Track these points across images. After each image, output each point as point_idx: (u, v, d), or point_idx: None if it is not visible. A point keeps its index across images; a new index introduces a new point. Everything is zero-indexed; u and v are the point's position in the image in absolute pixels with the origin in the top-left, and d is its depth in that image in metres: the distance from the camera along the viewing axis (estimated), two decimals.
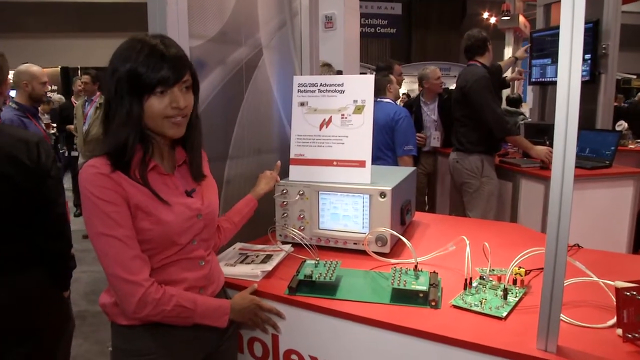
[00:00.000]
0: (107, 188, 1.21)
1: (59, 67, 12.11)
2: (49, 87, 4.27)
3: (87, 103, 5.91)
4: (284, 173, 2.00)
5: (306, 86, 1.98)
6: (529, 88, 8.16)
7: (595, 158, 3.96)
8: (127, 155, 1.23)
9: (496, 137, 3.88)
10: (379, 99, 4.00)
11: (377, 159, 3.77)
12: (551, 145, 3.85)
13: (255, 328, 1.56)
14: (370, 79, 1.95)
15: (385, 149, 3.86)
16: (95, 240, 1.23)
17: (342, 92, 1.93)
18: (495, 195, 3.92)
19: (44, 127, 3.78)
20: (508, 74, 5.16)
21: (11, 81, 2.97)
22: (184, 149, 1.41)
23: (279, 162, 1.99)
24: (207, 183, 1.48)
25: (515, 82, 5.81)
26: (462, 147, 3.96)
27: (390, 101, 4.01)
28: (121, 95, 1.22)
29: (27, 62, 3.85)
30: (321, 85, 1.96)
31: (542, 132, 4.20)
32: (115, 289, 1.25)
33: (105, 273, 1.24)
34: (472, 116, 3.83)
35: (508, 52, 7.14)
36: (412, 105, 5.11)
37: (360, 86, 1.92)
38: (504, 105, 6.94)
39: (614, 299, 1.27)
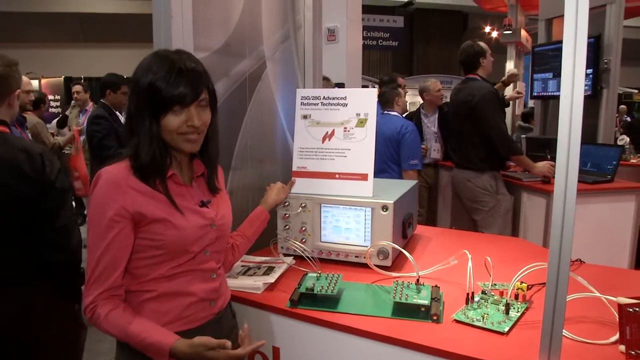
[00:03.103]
0: (114, 200, 1.23)
1: (62, 77, 12.14)
2: (33, 96, 4.30)
3: (81, 113, 5.98)
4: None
5: (309, 99, 1.99)
6: (530, 102, 8.18)
7: (597, 172, 3.95)
8: (153, 166, 1.27)
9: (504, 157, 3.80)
10: (386, 112, 4.02)
11: (382, 172, 3.78)
12: (553, 159, 3.87)
13: None
14: (373, 92, 1.96)
15: (390, 162, 3.87)
16: (88, 239, 1.27)
17: (345, 105, 1.94)
18: (511, 212, 3.83)
19: (29, 137, 3.77)
20: (508, 90, 5.18)
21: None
22: (203, 161, 1.43)
23: (294, 179, 1.98)
24: (222, 197, 1.49)
25: (516, 100, 5.82)
26: (473, 166, 3.80)
27: (397, 114, 4.03)
28: (142, 110, 1.26)
29: (30, 72, 3.87)
30: (324, 98, 1.97)
31: (544, 146, 4.21)
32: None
33: None
34: (479, 132, 3.73)
35: (509, 66, 7.15)
36: (413, 117, 5.13)
37: (363, 99, 1.92)
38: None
39: (617, 315, 1.27)
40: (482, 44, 3.86)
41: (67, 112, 6.70)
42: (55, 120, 6.70)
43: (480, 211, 3.82)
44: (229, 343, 1.24)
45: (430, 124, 5.05)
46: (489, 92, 3.71)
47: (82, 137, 5.86)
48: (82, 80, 7.99)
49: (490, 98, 3.67)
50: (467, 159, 3.86)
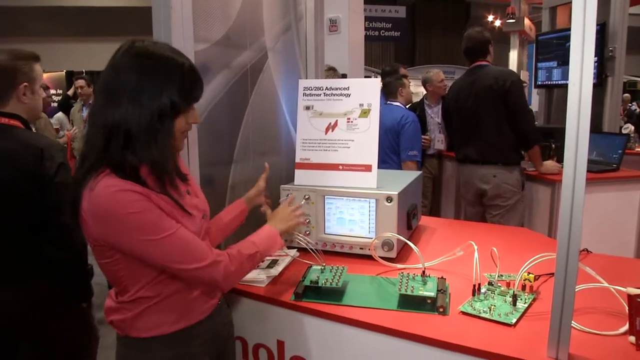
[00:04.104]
0: (137, 200, 1.16)
1: (64, 71, 12.12)
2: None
3: (84, 107, 5.96)
4: (290, 177, 1.99)
5: (312, 90, 1.97)
6: (534, 91, 8.14)
7: (602, 161, 3.93)
8: (165, 171, 1.23)
9: (526, 146, 3.56)
10: (388, 102, 3.99)
11: (382, 162, 3.72)
12: (557, 148, 3.85)
13: None
14: (376, 82, 1.94)
15: (390, 153, 3.84)
16: (148, 250, 1.19)
17: (348, 95, 1.91)
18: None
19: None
20: None
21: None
22: None
23: (267, 165, 1.86)
24: (192, 183, 1.44)
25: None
26: (505, 160, 3.49)
27: (400, 105, 3.99)
28: (164, 117, 1.20)
29: None
30: (327, 88, 1.95)
31: (549, 135, 4.17)
32: (197, 281, 1.31)
33: (174, 270, 1.24)
34: (509, 120, 3.42)
35: (513, 55, 7.11)
36: (416, 108, 5.11)
37: (367, 90, 1.90)
38: None
39: (626, 306, 1.25)
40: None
41: (69, 92, 6.67)
42: (56, 116, 6.69)
43: (499, 208, 3.57)
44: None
45: (434, 114, 5.02)
46: (518, 77, 3.52)
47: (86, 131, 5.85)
48: (84, 74, 7.97)
49: (520, 83, 3.48)
50: (499, 153, 3.51)
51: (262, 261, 1.52)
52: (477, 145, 3.61)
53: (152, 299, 1.27)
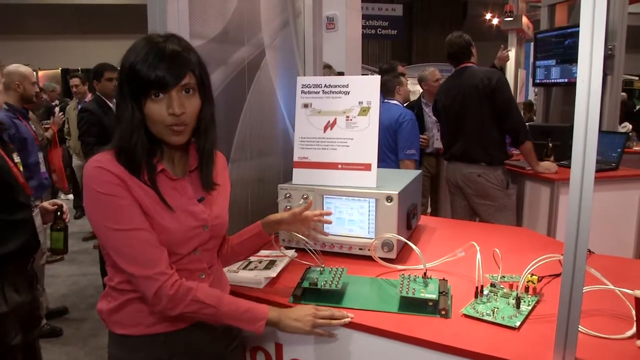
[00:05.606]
0: (112, 183, 1.15)
1: (60, 68, 12.08)
2: (38, 88, 4.20)
3: (79, 105, 5.91)
4: (288, 176, 1.95)
5: (310, 87, 1.94)
6: (532, 89, 8.13)
7: (601, 160, 3.90)
8: (135, 159, 1.18)
9: (518, 141, 3.56)
10: (386, 100, 3.96)
11: (379, 161, 3.69)
12: (555, 147, 3.83)
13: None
14: (376, 80, 1.90)
15: (388, 151, 3.81)
16: (104, 237, 1.17)
17: (347, 93, 1.88)
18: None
19: (34, 129, 3.72)
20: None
21: None
22: (197, 155, 1.32)
23: (311, 199, 1.78)
24: (220, 193, 1.38)
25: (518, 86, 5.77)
26: (489, 159, 3.54)
27: (398, 103, 3.97)
28: (124, 95, 1.17)
29: (27, 64, 3.80)
30: (325, 86, 1.91)
31: (547, 134, 4.15)
32: (138, 289, 1.21)
33: (122, 268, 1.19)
34: (495, 119, 3.48)
35: (511, 54, 7.08)
36: (414, 106, 5.07)
37: (366, 87, 1.87)
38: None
39: (633, 309, 1.23)
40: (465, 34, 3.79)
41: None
42: (57, 108, 6.65)
43: (489, 206, 3.61)
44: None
45: (432, 113, 4.99)
46: (503, 76, 3.58)
47: None
48: (80, 72, 7.93)
49: (506, 81, 3.56)
50: (485, 152, 3.56)
51: (217, 322, 1.28)
52: (462, 144, 3.69)
53: (128, 293, 1.24)
